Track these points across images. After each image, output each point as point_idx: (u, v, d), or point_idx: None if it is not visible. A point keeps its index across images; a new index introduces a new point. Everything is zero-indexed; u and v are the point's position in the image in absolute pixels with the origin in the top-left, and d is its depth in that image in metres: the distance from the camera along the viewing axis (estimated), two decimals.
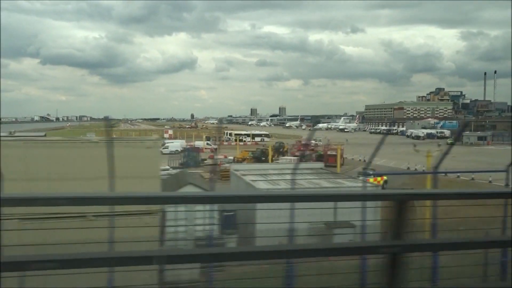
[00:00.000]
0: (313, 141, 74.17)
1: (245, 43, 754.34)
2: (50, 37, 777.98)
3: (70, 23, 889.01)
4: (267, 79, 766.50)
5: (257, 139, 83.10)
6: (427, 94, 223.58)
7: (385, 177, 30.52)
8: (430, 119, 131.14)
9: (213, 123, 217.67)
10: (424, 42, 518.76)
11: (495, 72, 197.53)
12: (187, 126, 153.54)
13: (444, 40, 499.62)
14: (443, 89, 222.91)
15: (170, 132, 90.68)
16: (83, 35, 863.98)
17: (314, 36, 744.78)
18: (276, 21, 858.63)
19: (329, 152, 43.16)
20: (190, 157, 41.50)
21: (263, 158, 39.10)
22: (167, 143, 55.08)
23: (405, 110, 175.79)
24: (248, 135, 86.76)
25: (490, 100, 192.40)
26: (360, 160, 49.48)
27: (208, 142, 58.56)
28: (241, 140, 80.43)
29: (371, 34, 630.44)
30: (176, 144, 53.93)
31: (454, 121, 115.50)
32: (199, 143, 59.07)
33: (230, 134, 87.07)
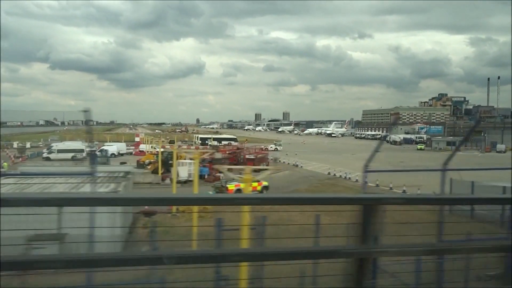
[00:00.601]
0: (272, 146, 72.82)
1: (252, 48, 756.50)
2: (60, 42, 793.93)
3: (79, 28, 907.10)
4: (274, 84, 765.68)
5: (225, 143, 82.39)
6: (429, 100, 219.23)
7: (264, 183, 28.94)
8: (418, 124, 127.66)
9: (213, 128, 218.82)
10: (432, 47, 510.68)
11: (499, 78, 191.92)
12: (177, 130, 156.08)
13: (452, 46, 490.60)
14: (446, 94, 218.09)
15: (142, 135, 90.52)
16: (92, 40, 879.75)
17: (321, 42, 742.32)
18: (283, 26, 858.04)
19: (247, 156, 41.68)
20: (96, 159, 40.60)
21: (170, 162, 37.80)
22: (106, 145, 54.46)
23: (401, 116, 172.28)
24: (217, 139, 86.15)
25: (493, 106, 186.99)
26: (294, 165, 48.01)
27: (153, 145, 57.72)
28: (206, 144, 79.88)
29: (379, 39, 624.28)
30: (113, 148, 53.25)
31: (440, 127, 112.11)
32: (143, 147, 58.36)
33: (198, 138, 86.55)
